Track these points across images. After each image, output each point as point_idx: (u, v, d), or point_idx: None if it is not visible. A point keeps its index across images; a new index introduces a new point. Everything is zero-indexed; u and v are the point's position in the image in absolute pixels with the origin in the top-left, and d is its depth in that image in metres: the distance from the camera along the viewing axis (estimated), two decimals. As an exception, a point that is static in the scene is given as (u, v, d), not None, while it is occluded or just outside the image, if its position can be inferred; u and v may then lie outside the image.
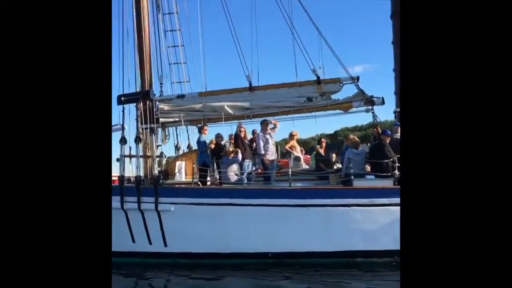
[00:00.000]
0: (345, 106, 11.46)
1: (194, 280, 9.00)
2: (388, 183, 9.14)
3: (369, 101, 11.14)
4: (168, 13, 13.44)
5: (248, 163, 10.47)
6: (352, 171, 9.20)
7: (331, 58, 11.33)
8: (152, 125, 11.13)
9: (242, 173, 10.30)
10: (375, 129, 10.44)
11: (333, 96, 11.61)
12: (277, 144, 12.87)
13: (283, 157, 12.99)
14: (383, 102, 11.18)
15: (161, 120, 11.68)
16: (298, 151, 12.75)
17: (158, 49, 12.09)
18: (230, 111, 11.43)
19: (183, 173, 11.55)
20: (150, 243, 9.87)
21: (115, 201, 9.61)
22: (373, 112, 11.08)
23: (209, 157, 10.85)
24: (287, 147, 12.72)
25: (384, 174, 9.19)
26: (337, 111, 11.63)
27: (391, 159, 9.20)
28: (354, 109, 11.43)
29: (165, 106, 11.68)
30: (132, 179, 10.84)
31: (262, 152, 10.48)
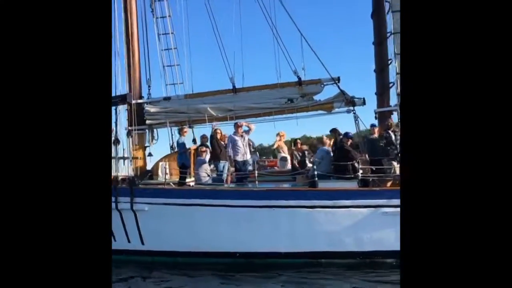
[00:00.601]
0: (326, 107, 11.52)
1: (169, 279, 9.31)
2: (351, 185, 9.15)
3: (350, 102, 11.16)
4: (161, 17, 13.80)
5: (223, 164, 10.68)
6: (316, 172, 9.24)
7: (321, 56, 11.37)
8: (131, 128, 11.54)
9: (218, 174, 10.53)
10: (334, 132, 10.51)
11: (316, 97, 11.72)
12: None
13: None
14: (364, 103, 11.17)
15: (147, 122, 12.11)
16: (285, 152, 12.88)
17: (147, 52, 12.42)
18: (213, 112, 11.69)
19: (166, 173, 11.87)
20: (129, 241, 10.25)
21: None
22: (354, 113, 11.10)
23: (188, 158, 11.13)
24: (274, 147, 12.89)
25: (348, 176, 9.20)
26: (320, 112, 11.76)
27: (353, 161, 9.20)
28: (336, 110, 11.53)
29: (151, 108, 12.08)
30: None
31: (231, 153, 10.67)
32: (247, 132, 11.15)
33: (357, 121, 11.06)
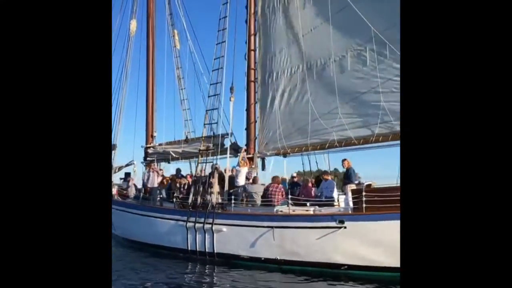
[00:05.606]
0: (225, 152, 16.75)
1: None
2: (170, 206, 14.61)
3: (236, 150, 16.19)
4: (181, 89, 21.14)
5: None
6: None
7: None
8: (142, 162, 19.45)
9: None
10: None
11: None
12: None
13: None
14: (245, 151, 15.97)
15: (148, 159, 19.69)
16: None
17: (156, 110, 20.19)
18: (173, 154, 18.49)
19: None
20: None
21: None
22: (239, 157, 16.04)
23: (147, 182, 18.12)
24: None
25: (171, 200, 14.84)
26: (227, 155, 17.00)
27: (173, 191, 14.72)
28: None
29: (149, 150, 19.63)
30: None
31: (145, 181, 17.14)
32: (156, 167, 17.58)
33: (243, 163, 15.95)
